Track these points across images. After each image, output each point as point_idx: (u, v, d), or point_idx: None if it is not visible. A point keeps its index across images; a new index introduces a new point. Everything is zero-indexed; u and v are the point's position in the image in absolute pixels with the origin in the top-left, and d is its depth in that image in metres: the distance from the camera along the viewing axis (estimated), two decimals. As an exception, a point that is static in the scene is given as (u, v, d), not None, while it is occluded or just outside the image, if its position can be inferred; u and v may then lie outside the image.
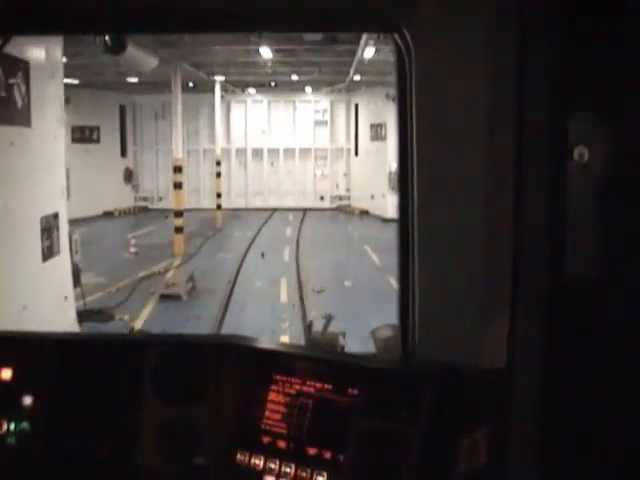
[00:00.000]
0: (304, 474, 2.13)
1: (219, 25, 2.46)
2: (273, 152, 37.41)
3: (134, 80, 28.65)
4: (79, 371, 2.39)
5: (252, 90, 35.74)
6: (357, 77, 27.65)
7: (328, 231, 28.12)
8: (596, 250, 1.95)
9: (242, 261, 20.69)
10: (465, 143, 2.05)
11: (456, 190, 2.08)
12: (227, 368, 2.33)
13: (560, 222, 1.93)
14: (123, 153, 36.70)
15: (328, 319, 2.92)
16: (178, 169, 21.56)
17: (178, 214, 21.69)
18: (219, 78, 29.01)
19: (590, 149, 1.85)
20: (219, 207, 29.57)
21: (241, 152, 37.50)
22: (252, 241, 24.96)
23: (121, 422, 2.34)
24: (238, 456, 2.23)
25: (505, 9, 1.95)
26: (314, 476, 2.12)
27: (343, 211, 35.82)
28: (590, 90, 1.88)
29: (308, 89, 35.45)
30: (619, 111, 1.85)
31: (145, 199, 37.56)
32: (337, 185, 37.14)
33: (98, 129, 34.01)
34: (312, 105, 37.08)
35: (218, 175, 30.10)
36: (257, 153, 37.46)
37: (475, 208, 2.06)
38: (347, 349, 2.81)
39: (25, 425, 2.35)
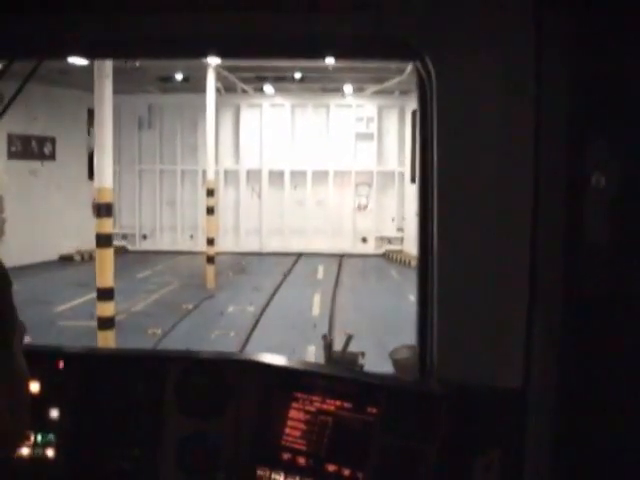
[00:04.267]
0: None
1: (231, 51, 2.59)
2: (298, 175, 27.36)
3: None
4: (103, 385, 2.45)
5: (269, 89, 25.71)
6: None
7: (380, 305, 17.51)
8: (612, 271, 2.03)
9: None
10: (483, 171, 2.11)
11: (475, 213, 2.14)
12: (248, 385, 2.38)
13: (576, 243, 2.03)
14: (92, 174, 26.66)
15: (348, 338, 2.71)
16: (105, 209, 11.37)
17: (104, 294, 11.33)
18: (212, 61, 18.66)
19: (607, 176, 1.95)
20: (211, 260, 19.30)
21: (254, 175, 27.55)
22: (252, 329, 14.69)
23: (143, 436, 2.40)
24: (258, 472, 2.27)
25: (522, 40, 2.03)
26: None
27: (393, 260, 25.54)
28: (606, 118, 2.00)
29: (347, 88, 25.27)
30: (635, 138, 1.97)
31: (124, 237, 27.81)
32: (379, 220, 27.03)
33: (53, 141, 24.29)
34: (353, 111, 27.03)
35: (210, 211, 19.73)
36: (276, 176, 27.55)
37: (493, 229, 2.13)
38: (366, 368, 2.60)
39: (51, 437, 2.42)
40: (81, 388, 2.44)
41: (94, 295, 17.86)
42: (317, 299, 17.88)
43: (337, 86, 25.27)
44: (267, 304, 17.37)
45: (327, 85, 24.99)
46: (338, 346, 2.67)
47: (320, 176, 27.25)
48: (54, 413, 2.42)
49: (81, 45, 2.32)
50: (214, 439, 2.34)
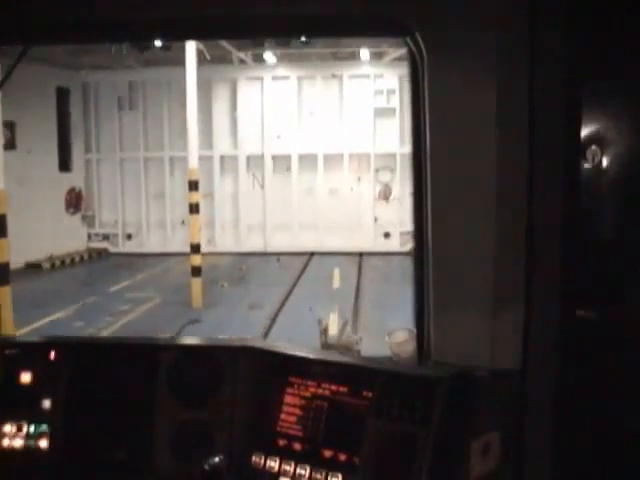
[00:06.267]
0: (319, 476, 2.16)
1: (227, 31, 2.64)
2: (307, 160, 23.16)
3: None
4: (96, 375, 2.50)
5: (270, 57, 21.52)
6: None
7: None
8: (611, 249, 1.99)
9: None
10: (478, 146, 2.10)
11: (470, 193, 2.12)
12: (242, 371, 2.41)
13: (574, 223, 2.01)
14: (64, 165, 22.81)
15: (344, 323, 2.75)
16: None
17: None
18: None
19: (602, 150, 1.92)
20: (196, 271, 15.16)
21: (255, 161, 23.37)
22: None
23: (137, 424, 2.44)
24: (253, 458, 2.28)
25: (515, 13, 1.99)
26: (329, 478, 2.15)
27: (423, 258, 21.33)
28: (602, 91, 1.95)
29: (364, 53, 21.05)
30: (631, 112, 1.92)
31: (105, 237, 23.92)
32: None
33: (11, 126, 20.22)
34: (371, 82, 22.64)
35: (194, 209, 15.54)
36: (281, 162, 23.36)
37: (489, 210, 2.10)
38: (363, 353, 2.57)
39: (44, 428, 2.46)
40: (73, 378, 2.47)
41: (48, 319, 14.17)
42: (334, 322, 13.76)
43: (351, 52, 21.09)
44: (269, 329, 13.35)
45: (339, 50, 20.78)
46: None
47: (333, 160, 22.96)
48: (47, 404, 2.46)
49: (61, 29, 2.30)
50: (208, 426, 2.36)
